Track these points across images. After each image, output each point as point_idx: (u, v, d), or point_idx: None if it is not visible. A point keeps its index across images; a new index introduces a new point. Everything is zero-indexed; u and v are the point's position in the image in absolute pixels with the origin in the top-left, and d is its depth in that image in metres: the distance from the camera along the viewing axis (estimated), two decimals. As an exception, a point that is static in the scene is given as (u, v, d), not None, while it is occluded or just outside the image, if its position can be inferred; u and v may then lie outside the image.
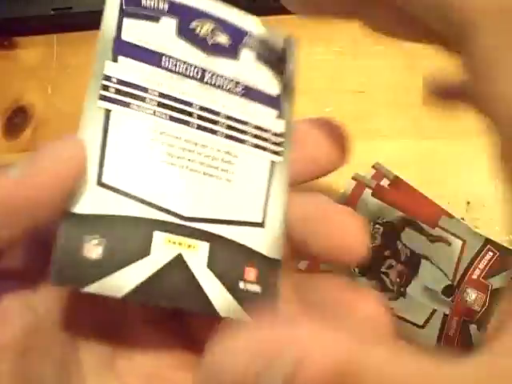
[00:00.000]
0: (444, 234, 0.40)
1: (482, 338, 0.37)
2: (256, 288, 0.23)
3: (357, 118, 0.45)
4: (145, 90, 0.23)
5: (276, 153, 0.25)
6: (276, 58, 0.26)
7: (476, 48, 0.18)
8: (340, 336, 0.16)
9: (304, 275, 0.25)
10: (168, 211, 0.22)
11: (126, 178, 0.22)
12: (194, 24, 0.24)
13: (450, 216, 0.41)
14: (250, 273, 0.23)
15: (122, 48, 0.23)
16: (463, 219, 0.41)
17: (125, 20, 0.23)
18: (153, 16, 0.23)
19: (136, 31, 0.23)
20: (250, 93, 0.25)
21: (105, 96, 0.22)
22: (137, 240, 0.21)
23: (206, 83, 0.24)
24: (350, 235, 0.22)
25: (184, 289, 0.21)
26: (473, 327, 0.37)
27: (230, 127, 0.24)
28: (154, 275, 0.21)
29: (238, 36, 0.26)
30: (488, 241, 0.40)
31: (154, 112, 0.23)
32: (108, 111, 0.22)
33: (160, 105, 0.23)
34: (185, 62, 0.24)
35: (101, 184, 0.21)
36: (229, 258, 0.23)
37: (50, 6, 0.48)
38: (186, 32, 0.24)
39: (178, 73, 0.23)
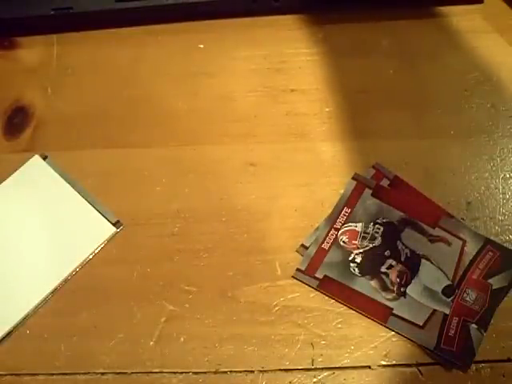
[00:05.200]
0: (444, 234, 0.40)
1: (481, 337, 0.37)
2: None
3: (357, 118, 0.45)
4: None
5: None
6: None
7: None
8: None
9: None
10: None
11: None
12: None
13: (450, 216, 0.41)
14: None
15: None
16: (463, 219, 0.41)
17: None
18: None
19: None
20: None
21: None
22: None
23: None
24: None
25: None
26: (473, 327, 0.37)
27: None
28: None
29: None
30: (488, 241, 0.40)
31: None
32: None
33: None
34: None
35: None
36: None
37: (50, 6, 0.48)
38: None
39: None
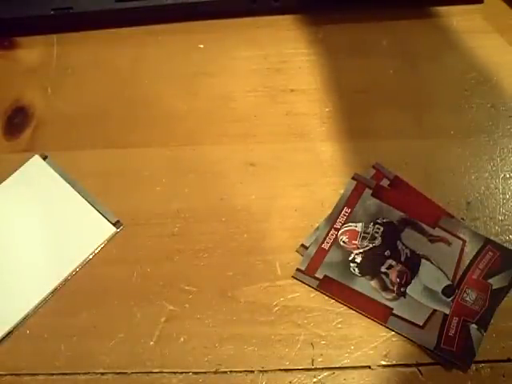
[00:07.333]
0: (444, 234, 0.40)
1: (481, 337, 0.37)
2: None
3: (356, 118, 0.45)
4: None
5: None
6: None
7: None
8: None
9: None
10: None
11: None
12: None
13: (450, 216, 0.41)
14: None
15: None
16: (463, 219, 0.41)
17: None
18: None
19: None
20: None
21: None
22: None
23: None
24: None
25: None
26: (473, 327, 0.37)
27: None
28: None
29: None
30: (488, 241, 0.40)
31: None
32: None
33: None
34: None
35: None
36: None
37: (50, 6, 0.48)
38: None
39: None
